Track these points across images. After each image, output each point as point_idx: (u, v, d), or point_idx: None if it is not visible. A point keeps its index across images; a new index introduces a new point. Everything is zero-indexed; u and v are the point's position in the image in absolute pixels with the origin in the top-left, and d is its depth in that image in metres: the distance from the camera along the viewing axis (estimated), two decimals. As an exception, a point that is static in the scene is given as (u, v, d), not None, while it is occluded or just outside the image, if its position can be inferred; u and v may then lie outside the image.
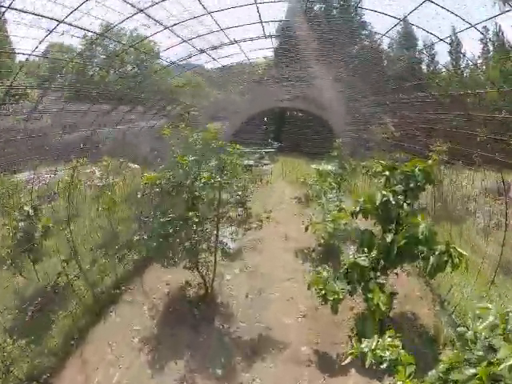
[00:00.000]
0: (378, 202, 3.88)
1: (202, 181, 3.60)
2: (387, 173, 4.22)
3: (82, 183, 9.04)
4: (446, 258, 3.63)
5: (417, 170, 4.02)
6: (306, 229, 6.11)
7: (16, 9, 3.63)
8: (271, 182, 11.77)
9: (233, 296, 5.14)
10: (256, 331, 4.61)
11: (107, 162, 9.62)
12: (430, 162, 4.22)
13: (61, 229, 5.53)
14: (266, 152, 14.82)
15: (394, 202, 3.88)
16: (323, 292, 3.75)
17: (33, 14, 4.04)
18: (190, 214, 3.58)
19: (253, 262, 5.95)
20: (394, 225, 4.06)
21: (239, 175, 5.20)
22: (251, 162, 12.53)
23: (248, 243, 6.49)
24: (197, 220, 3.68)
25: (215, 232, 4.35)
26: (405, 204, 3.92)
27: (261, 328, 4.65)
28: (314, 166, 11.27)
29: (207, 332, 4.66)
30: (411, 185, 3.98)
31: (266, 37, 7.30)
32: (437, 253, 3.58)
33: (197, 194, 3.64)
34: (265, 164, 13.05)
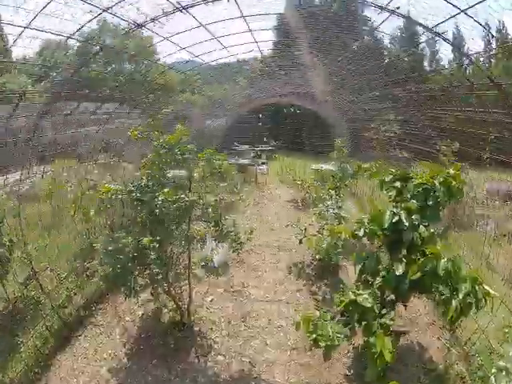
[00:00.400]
0: (386, 224, 2.95)
1: (161, 197, 2.72)
2: (398, 184, 3.27)
3: (67, 185, 8.21)
4: (470, 300, 2.71)
5: (437, 182, 3.06)
6: (301, 241, 5.22)
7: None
8: (266, 184, 10.83)
9: (213, 322, 4.28)
10: (237, 367, 3.78)
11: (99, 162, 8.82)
12: (452, 171, 3.25)
13: (22, 246, 4.71)
14: (261, 151, 13.81)
15: (407, 224, 2.94)
16: (314, 336, 2.86)
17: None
18: (146, 240, 2.71)
19: (239, 279, 5.06)
20: (405, 251, 3.13)
21: (231, 178, 4.30)
22: (246, 162, 11.59)
23: (236, 255, 5.60)
24: (157, 245, 2.81)
25: (187, 253, 3.49)
26: (421, 226, 2.98)
27: (243, 363, 3.82)
28: (313, 166, 10.32)
29: (181, 366, 3.84)
30: (430, 201, 3.02)
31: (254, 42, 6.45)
32: (461, 295, 2.65)
33: (157, 211, 2.76)
34: (261, 163, 12.05)
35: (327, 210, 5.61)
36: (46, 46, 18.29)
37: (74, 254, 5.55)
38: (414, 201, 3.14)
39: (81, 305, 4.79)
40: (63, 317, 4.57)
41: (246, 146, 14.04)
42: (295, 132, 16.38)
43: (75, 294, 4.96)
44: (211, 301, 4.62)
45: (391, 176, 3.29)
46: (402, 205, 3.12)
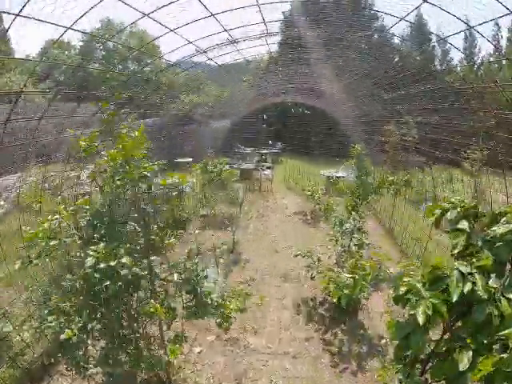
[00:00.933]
0: (455, 296, 1.88)
1: (90, 261, 1.64)
2: (466, 226, 2.16)
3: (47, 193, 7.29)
4: None
5: (531, 229, 1.94)
6: (313, 278, 4.17)
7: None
8: (271, 191, 9.72)
9: (200, 386, 3.30)
10: None
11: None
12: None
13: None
14: (266, 154, 12.66)
15: (485, 296, 1.86)
16: None
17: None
18: (68, 333, 1.71)
19: (236, 320, 4.06)
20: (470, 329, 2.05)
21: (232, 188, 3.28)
22: (250, 166, 10.52)
23: (234, 285, 4.58)
24: (99, 325, 1.83)
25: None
26: (502, 299, 1.89)
27: None
28: (322, 172, 9.21)
29: None
30: (519, 260, 1.92)
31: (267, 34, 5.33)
32: None
33: (97, 287, 1.73)
34: (267, 167, 10.93)
35: (345, 233, 4.54)
36: (48, 46, 17.51)
37: (42, 285, 4.63)
38: (488, 252, 2.05)
39: (47, 351, 3.87)
40: (23, 365, 3.70)
41: (251, 149, 12.96)
42: (303, 134, 15.14)
43: (45, 335, 4.05)
44: (199, 353, 3.63)
45: (455, 212, 2.17)
46: (474, 260, 2.03)
